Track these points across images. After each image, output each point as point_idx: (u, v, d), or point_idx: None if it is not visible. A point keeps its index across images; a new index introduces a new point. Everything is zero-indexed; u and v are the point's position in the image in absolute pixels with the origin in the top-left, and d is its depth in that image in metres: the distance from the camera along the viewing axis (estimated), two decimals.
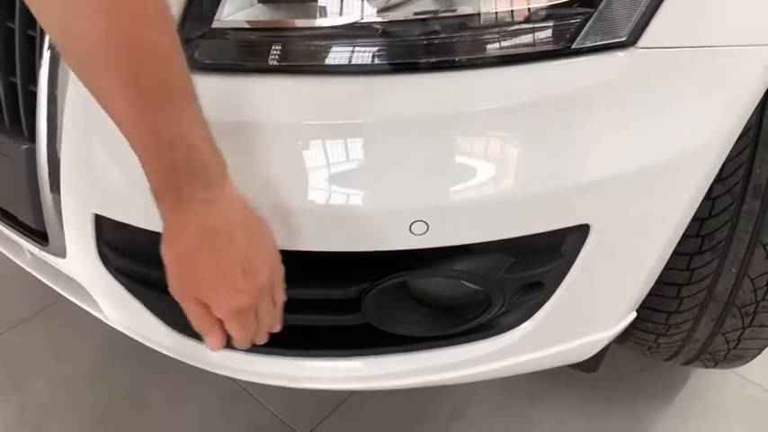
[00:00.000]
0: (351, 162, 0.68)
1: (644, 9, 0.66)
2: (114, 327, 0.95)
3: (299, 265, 0.74)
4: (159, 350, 0.92)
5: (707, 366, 1.19)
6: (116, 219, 0.76)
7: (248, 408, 1.26)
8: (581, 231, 0.75)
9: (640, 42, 0.67)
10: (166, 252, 0.65)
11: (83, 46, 0.54)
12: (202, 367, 0.89)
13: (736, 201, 0.92)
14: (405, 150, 0.67)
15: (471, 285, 0.82)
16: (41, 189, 0.82)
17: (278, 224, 0.71)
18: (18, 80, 0.76)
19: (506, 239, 0.73)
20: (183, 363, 1.35)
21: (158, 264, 0.79)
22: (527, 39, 0.66)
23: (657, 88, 0.70)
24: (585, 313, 0.87)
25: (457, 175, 0.68)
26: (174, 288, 0.67)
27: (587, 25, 0.66)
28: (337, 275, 0.76)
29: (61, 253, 0.89)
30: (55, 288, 1.00)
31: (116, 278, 0.85)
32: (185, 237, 0.63)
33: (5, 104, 0.80)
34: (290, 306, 0.78)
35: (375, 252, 0.73)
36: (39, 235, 0.90)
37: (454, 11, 0.65)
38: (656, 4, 0.66)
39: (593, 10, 0.65)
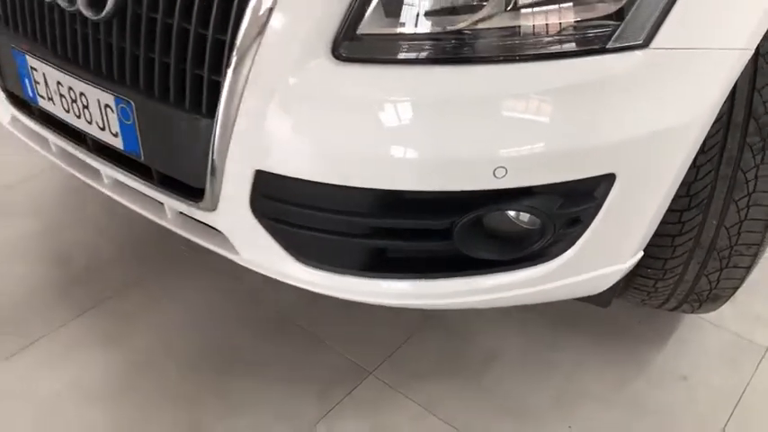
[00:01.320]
0: (454, 124, 0.99)
1: (654, 20, 0.97)
2: (247, 266, 1.23)
3: (410, 203, 1.04)
4: (286, 281, 1.19)
5: (692, 309, 1.49)
6: (278, 173, 1.05)
7: (322, 351, 1.53)
8: (609, 179, 1.06)
9: (652, 44, 0.98)
10: None
11: None
12: (322, 292, 1.17)
13: (714, 168, 1.23)
14: (492, 113, 0.98)
15: (527, 222, 1.12)
16: (210, 155, 1.10)
17: (398, 170, 1.00)
18: (205, 72, 1.05)
19: (560, 182, 1.03)
20: (266, 313, 1.62)
21: (306, 206, 1.08)
22: (578, 41, 0.97)
23: (664, 76, 1.01)
24: (609, 246, 1.17)
25: (528, 133, 0.99)
26: None
27: (617, 32, 0.97)
28: (437, 210, 1.06)
29: (211, 207, 1.17)
30: (191, 238, 1.27)
31: (261, 223, 1.13)
32: None
33: (190, 90, 1.08)
34: (398, 235, 1.08)
35: (466, 191, 1.02)
36: (194, 193, 1.18)
37: (528, 24, 0.97)
38: (661, 18, 0.98)
39: (621, 22, 0.97)
